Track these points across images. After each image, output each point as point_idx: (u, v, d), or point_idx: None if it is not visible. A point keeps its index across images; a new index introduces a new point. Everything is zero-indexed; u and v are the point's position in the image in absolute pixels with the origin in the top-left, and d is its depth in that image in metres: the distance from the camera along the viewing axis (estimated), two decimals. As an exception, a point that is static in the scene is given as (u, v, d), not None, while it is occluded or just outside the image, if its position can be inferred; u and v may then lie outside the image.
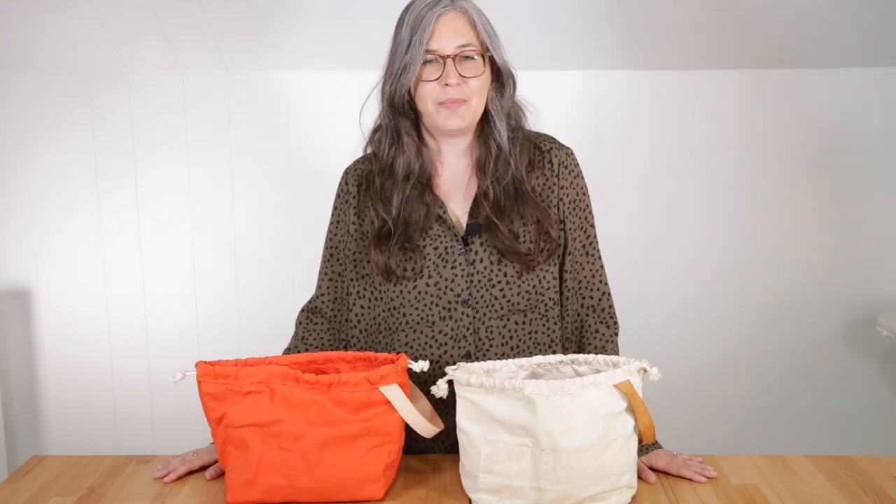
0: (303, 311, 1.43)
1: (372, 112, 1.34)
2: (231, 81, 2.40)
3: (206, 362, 1.15)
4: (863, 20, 2.23)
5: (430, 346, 1.31)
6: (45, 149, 2.41)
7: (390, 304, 1.33)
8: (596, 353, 1.34)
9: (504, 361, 1.20)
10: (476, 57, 1.26)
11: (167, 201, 2.45)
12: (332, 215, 1.41)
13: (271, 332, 2.22)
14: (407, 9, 1.27)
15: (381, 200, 1.32)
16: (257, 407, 1.13)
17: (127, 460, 1.32)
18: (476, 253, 1.30)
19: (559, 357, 1.22)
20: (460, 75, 1.24)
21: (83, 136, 2.41)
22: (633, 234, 2.49)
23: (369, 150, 1.38)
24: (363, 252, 1.35)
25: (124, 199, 2.44)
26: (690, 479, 1.22)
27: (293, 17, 2.21)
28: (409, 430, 1.19)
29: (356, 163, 1.40)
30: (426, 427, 1.16)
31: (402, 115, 1.30)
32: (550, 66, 2.38)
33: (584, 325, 1.37)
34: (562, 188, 1.34)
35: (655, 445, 1.28)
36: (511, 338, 1.32)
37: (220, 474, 1.24)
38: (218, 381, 1.14)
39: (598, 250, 1.39)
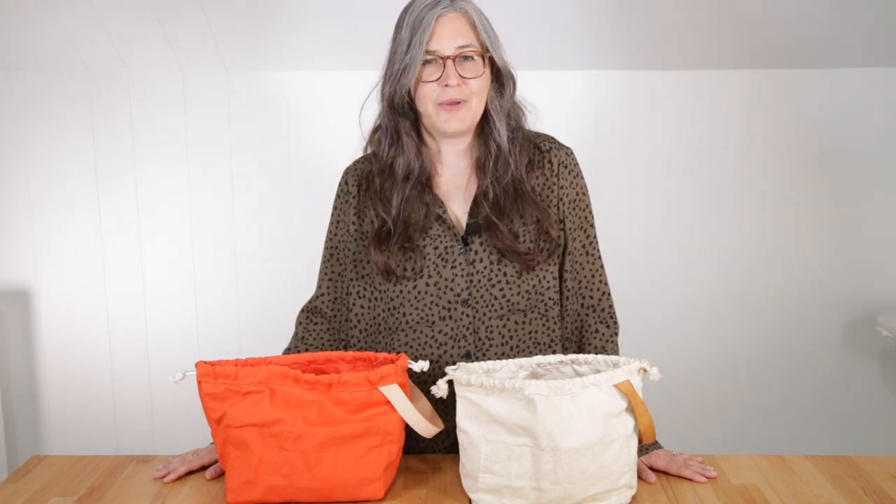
0: (303, 311, 1.43)
1: (372, 112, 1.34)
2: (231, 81, 2.40)
3: (206, 362, 1.15)
4: (863, 20, 2.23)
5: (430, 346, 1.31)
6: (45, 149, 2.41)
7: (390, 304, 1.33)
8: (596, 353, 1.34)
9: (504, 361, 1.20)
10: (476, 57, 1.26)
11: (167, 201, 2.45)
12: (332, 215, 1.41)
13: (271, 332, 2.23)
14: (406, 9, 1.27)
15: (381, 200, 1.32)
16: (257, 407, 1.13)
17: (127, 460, 1.32)
18: (476, 253, 1.30)
19: (559, 357, 1.22)
20: (460, 76, 1.24)
21: (83, 136, 2.41)
22: (633, 234, 2.49)
23: (369, 150, 1.38)
24: (363, 252, 1.35)
25: (124, 199, 2.44)
26: (690, 479, 1.22)
27: (293, 17, 2.21)
28: (409, 430, 1.19)
29: (356, 163, 1.40)
30: (426, 427, 1.16)
31: (401, 115, 1.30)
32: (550, 66, 2.38)
33: (583, 325, 1.37)
34: (561, 188, 1.34)
35: (655, 445, 1.28)
36: (511, 337, 1.32)
37: (220, 474, 1.24)
38: (218, 381, 1.14)
39: (598, 250, 1.39)
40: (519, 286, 1.31)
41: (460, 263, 1.30)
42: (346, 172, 1.40)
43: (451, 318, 1.31)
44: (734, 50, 2.33)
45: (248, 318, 2.50)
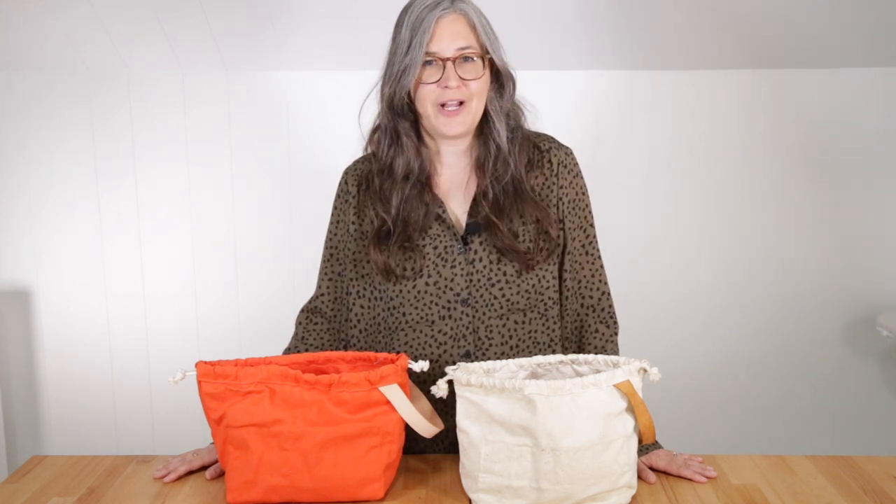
0: (303, 311, 1.43)
1: (371, 112, 1.34)
2: (231, 81, 2.40)
3: (205, 362, 1.15)
4: (863, 20, 2.23)
5: (430, 346, 1.31)
6: (45, 149, 2.41)
7: (390, 304, 1.33)
8: (596, 353, 1.34)
9: (504, 361, 1.20)
10: (476, 59, 1.26)
11: (167, 201, 2.45)
12: (332, 215, 1.41)
13: (271, 332, 2.22)
14: (406, 9, 1.27)
15: (381, 200, 1.32)
16: (257, 407, 1.13)
17: (127, 460, 1.32)
18: (475, 252, 1.30)
19: (559, 357, 1.22)
20: (460, 78, 1.24)
21: (83, 136, 2.41)
22: (633, 234, 2.49)
23: (369, 150, 1.38)
24: (363, 252, 1.35)
25: (124, 199, 2.44)
26: (690, 479, 1.22)
27: (293, 17, 2.21)
28: (409, 430, 1.19)
29: (356, 163, 1.40)
30: (426, 427, 1.16)
31: (401, 116, 1.30)
32: (550, 66, 2.38)
33: (583, 325, 1.37)
34: (561, 188, 1.34)
35: (655, 445, 1.28)
36: (510, 337, 1.32)
37: (220, 474, 1.24)
38: (218, 381, 1.14)
39: (598, 250, 1.39)
40: (518, 286, 1.31)
41: (460, 263, 1.30)
42: (346, 172, 1.40)
43: (450, 317, 1.31)
44: (734, 50, 2.33)
45: (248, 318, 2.50)
